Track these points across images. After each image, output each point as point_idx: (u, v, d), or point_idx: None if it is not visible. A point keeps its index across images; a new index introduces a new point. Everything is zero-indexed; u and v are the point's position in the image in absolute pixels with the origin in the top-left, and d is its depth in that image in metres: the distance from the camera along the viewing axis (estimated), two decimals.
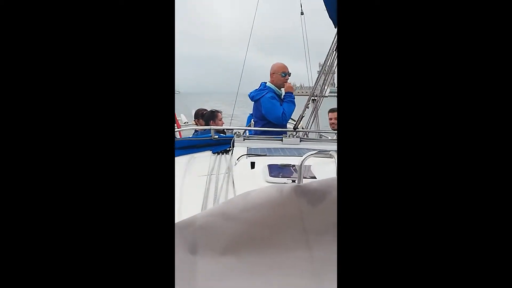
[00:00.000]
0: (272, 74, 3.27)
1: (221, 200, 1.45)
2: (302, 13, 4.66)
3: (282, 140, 2.81)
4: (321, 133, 3.98)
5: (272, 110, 3.13)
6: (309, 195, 0.59)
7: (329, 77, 2.84)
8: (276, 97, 3.23)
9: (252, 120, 3.64)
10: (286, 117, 3.17)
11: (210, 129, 2.68)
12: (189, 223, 0.62)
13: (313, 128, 3.35)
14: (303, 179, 1.28)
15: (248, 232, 0.60)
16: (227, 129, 3.16)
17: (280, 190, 0.61)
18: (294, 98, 3.20)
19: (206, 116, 3.77)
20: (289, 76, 3.27)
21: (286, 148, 2.61)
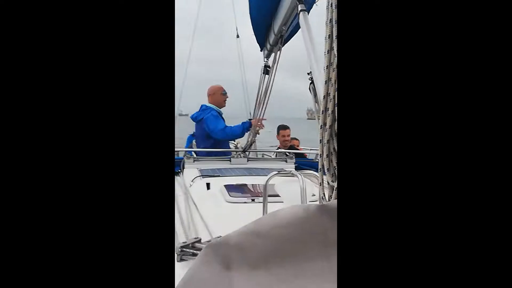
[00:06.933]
0: (211, 95, 3.32)
1: (189, 220, 1.43)
2: (238, 36, 4.80)
3: (230, 161, 2.83)
4: (263, 153, 4.09)
5: (216, 126, 3.15)
6: (331, 213, 0.63)
7: (264, 102, 2.95)
8: (220, 116, 3.27)
9: (193, 141, 3.64)
10: (230, 132, 3.19)
11: None
12: (223, 242, 0.63)
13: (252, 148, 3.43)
14: (268, 197, 1.32)
15: (277, 247, 0.62)
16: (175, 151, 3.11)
17: (306, 209, 0.64)
18: (247, 128, 3.20)
19: None
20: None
21: (236, 168, 2.64)
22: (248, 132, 3.20)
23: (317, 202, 0.98)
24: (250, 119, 3.21)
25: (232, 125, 3.23)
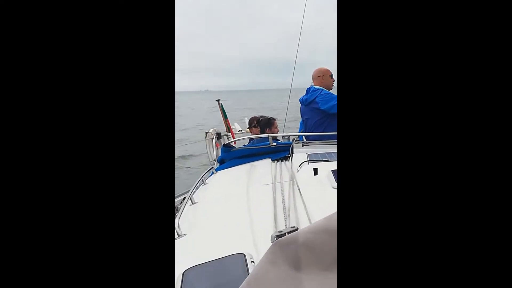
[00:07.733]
0: (320, 77, 3.25)
1: (291, 207, 1.42)
2: None
3: None
4: None
5: (332, 99, 3.07)
6: None
7: None
8: (332, 94, 3.19)
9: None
10: None
11: (267, 137, 2.68)
12: (291, 240, 0.61)
13: None
14: None
15: None
16: (284, 136, 3.14)
17: None
18: None
19: (262, 124, 3.77)
20: None
21: None
22: None
23: None
24: None
25: None
